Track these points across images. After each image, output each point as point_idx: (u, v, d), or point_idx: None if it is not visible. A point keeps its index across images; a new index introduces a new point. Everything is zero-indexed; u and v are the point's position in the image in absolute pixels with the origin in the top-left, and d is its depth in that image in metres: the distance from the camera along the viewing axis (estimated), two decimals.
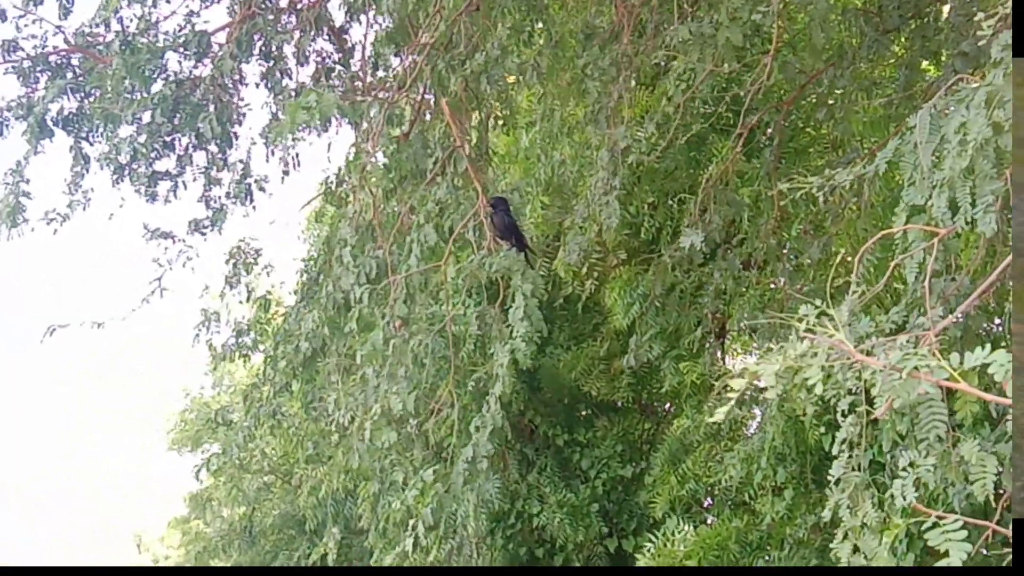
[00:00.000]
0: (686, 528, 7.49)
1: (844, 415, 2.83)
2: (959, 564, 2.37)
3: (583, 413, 9.85)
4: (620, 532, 9.30)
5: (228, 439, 6.46)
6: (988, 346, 2.19)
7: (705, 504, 8.67)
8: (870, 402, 2.75)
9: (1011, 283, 2.98)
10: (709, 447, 8.04)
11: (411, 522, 5.42)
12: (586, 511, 9.10)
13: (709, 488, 8.11)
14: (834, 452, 2.91)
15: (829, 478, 3.07)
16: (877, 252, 4.07)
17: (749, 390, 3.00)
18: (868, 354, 2.56)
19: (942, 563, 2.43)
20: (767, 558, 7.18)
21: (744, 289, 7.21)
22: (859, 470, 2.82)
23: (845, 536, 2.80)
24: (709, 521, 8.28)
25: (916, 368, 2.13)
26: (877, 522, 2.71)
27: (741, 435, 8.01)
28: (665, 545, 7.39)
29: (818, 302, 2.73)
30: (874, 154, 3.92)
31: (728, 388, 2.69)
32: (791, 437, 6.82)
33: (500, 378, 4.96)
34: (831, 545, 2.87)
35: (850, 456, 2.83)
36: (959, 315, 2.94)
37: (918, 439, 2.62)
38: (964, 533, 2.30)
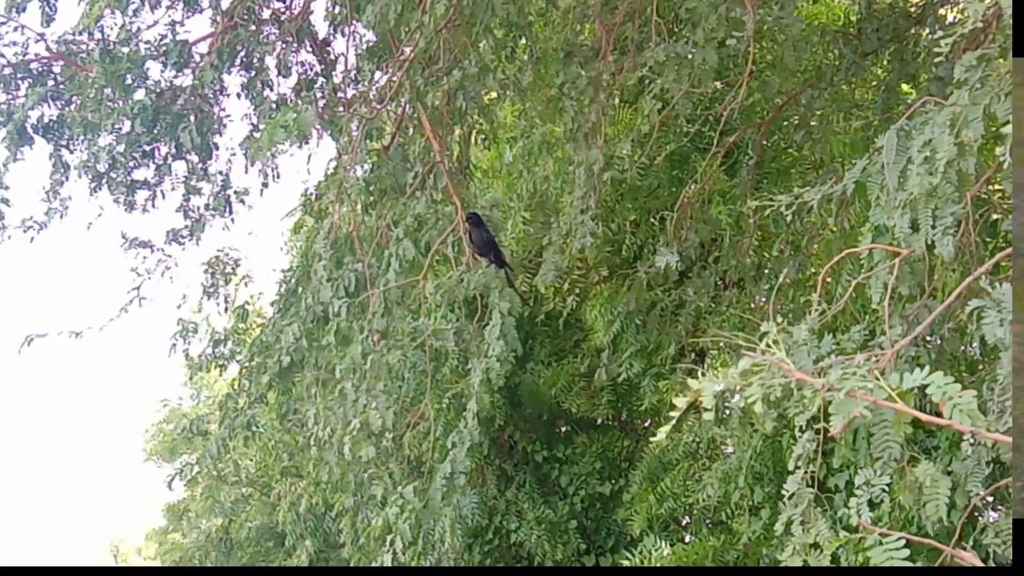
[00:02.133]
0: (663, 546, 7.48)
1: (802, 430, 2.83)
2: None
3: (563, 429, 9.81)
4: (598, 549, 9.26)
5: (203, 450, 6.43)
6: (926, 368, 2.20)
7: (683, 522, 8.64)
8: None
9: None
10: (688, 465, 8.02)
11: (389, 537, 5.39)
12: (564, 528, 9.05)
13: (687, 506, 8.08)
14: (790, 467, 2.91)
15: None
16: (856, 272, 4.09)
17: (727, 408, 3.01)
18: (825, 372, 2.57)
19: None
20: None
21: (724, 308, 7.23)
22: (814, 486, 2.82)
23: (794, 551, 2.79)
24: (687, 539, 8.26)
25: (854, 388, 2.14)
26: (830, 541, 2.71)
27: (720, 454, 7.99)
28: (642, 563, 7.37)
29: (779, 319, 2.75)
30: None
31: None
32: (768, 457, 6.82)
33: (476, 395, 4.96)
34: (779, 557, 2.87)
35: (805, 472, 2.83)
36: (916, 334, 2.94)
37: (874, 458, 2.63)
38: (906, 552, 2.31)
